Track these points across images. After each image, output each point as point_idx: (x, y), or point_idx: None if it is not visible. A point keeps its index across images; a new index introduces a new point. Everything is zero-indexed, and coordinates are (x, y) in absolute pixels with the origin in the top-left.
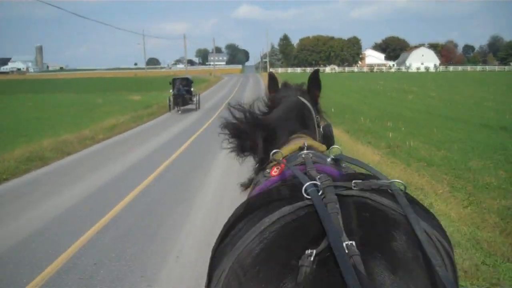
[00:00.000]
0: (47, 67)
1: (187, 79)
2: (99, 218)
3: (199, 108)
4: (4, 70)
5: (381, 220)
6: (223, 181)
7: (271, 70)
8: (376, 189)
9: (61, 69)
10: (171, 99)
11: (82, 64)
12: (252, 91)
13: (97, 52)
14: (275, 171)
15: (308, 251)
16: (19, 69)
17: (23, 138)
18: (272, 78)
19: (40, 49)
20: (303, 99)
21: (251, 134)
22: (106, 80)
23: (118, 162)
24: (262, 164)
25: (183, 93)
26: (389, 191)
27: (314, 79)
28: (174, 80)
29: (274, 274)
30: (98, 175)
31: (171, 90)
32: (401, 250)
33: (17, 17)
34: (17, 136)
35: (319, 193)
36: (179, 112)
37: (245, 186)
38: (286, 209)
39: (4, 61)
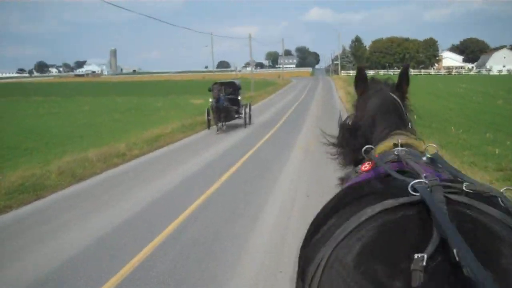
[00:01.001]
0: (121, 69)
1: (232, 83)
2: None
3: (249, 123)
4: (80, 73)
5: (489, 233)
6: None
7: (343, 72)
8: (486, 198)
9: (134, 72)
10: (210, 111)
11: (155, 67)
12: (322, 97)
13: (170, 55)
14: (365, 167)
15: (419, 255)
16: (93, 72)
17: (56, 150)
18: (360, 72)
19: (114, 52)
20: (394, 95)
21: (347, 131)
22: (174, 83)
23: (127, 200)
24: (357, 161)
25: (224, 103)
26: (501, 203)
27: (404, 74)
28: (214, 86)
29: (383, 275)
30: (84, 229)
31: (210, 100)
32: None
33: (94, 21)
34: (56, 145)
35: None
36: (222, 128)
37: (342, 181)
38: (389, 202)
39: (80, 64)
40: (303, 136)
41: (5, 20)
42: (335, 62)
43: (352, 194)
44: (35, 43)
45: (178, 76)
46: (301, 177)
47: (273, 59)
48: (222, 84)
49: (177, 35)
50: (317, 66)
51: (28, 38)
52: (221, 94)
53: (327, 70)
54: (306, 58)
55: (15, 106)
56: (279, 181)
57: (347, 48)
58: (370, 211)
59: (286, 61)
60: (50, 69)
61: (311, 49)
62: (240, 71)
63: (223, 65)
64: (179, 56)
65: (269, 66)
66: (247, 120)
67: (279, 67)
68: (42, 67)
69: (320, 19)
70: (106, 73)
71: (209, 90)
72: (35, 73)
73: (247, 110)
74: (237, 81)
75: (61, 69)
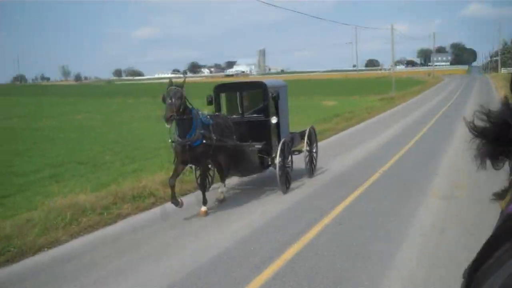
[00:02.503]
0: (269, 69)
1: (256, 85)
2: None
3: (313, 174)
4: (229, 73)
5: None
6: None
7: (503, 70)
8: None
9: (282, 71)
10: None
11: (304, 66)
12: (478, 100)
13: (318, 55)
14: None
15: None
16: (242, 72)
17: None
18: None
19: (262, 52)
20: None
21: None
22: (314, 83)
23: None
24: None
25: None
26: None
27: None
28: (218, 89)
29: None
30: None
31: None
32: None
33: (244, 22)
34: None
35: None
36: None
37: (498, 196)
38: None
39: (230, 64)
40: (445, 171)
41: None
42: (495, 58)
43: None
44: (189, 45)
45: (323, 76)
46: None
47: (425, 56)
48: (235, 87)
49: (325, 33)
50: (473, 64)
51: (184, 41)
52: (234, 113)
53: (485, 68)
54: (462, 55)
55: (142, 107)
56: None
57: (509, 43)
58: None
59: (438, 58)
60: (202, 69)
61: (467, 46)
62: (389, 69)
63: (372, 63)
64: (327, 55)
65: (421, 64)
66: (311, 169)
67: (431, 65)
68: (195, 67)
69: (477, 14)
70: (254, 73)
71: (209, 103)
72: (188, 74)
73: (309, 150)
74: (270, 83)
75: (212, 69)
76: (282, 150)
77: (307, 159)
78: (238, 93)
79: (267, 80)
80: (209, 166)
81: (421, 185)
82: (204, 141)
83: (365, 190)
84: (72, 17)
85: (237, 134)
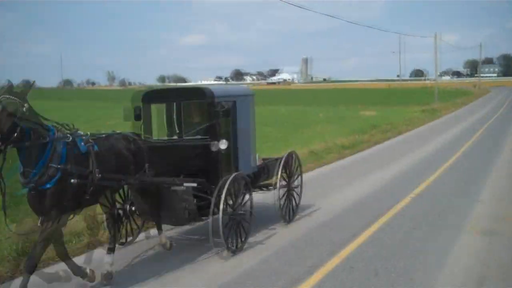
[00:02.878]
0: (312, 78)
1: (197, 93)
2: None
3: (290, 219)
4: (272, 81)
5: None
6: None
7: None
8: None
9: (324, 80)
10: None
11: (348, 75)
12: None
13: (363, 64)
14: None
15: None
16: (285, 80)
17: None
18: None
19: (306, 61)
20: None
21: None
22: (356, 92)
23: None
24: None
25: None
26: None
27: None
28: (147, 98)
29: None
30: None
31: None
32: None
33: (290, 30)
34: None
35: None
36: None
37: None
38: None
39: (274, 72)
40: (489, 197)
41: (214, 31)
42: None
43: None
44: (234, 52)
45: (367, 85)
46: None
47: (472, 67)
48: (172, 96)
49: (372, 42)
50: None
51: (228, 47)
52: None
53: None
54: (510, 66)
55: None
56: None
57: None
58: None
59: (486, 69)
60: (244, 76)
61: None
62: (435, 80)
63: (418, 73)
64: (372, 64)
65: (467, 75)
66: (288, 214)
67: (478, 76)
68: (238, 75)
69: None
70: (297, 81)
71: (137, 117)
72: (231, 81)
73: (287, 185)
74: (222, 91)
75: (255, 77)
76: (229, 190)
77: (282, 198)
78: (175, 104)
79: (219, 87)
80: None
81: (458, 214)
82: (63, 179)
83: (390, 219)
84: (122, 23)
85: (164, 165)
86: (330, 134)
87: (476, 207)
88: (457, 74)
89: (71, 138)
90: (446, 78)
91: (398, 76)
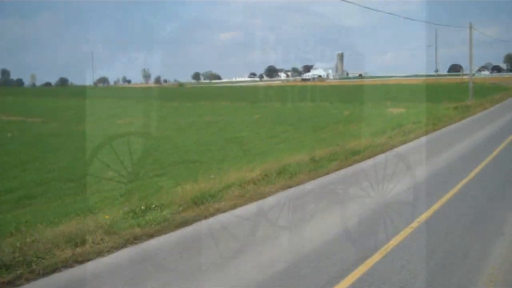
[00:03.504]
0: (347, 74)
1: None
2: None
3: None
4: (306, 77)
5: None
6: None
7: None
8: None
9: (360, 76)
10: None
11: (385, 71)
12: None
13: (400, 59)
14: None
15: None
16: (319, 76)
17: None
18: None
19: (341, 57)
20: None
21: None
22: (387, 88)
23: None
24: None
25: None
26: None
27: None
28: None
29: None
30: None
31: None
32: None
33: (322, 27)
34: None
35: None
36: None
37: None
38: None
39: (308, 68)
40: None
41: (249, 27)
42: None
43: None
44: (268, 49)
45: (402, 80)
46: None
47: None
48: None
49: (407, 37)
50: None
51: (263, 44)
52: None
53: None
54: None
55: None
56: None
57: None
58: None
59: None
60: (279, 73)
61: None
62: (473, 75)
63: (455, 68)
64: (409, 60)
65: (507, 70)
66: None
67: None
68: (271, 71)
69: None
70: (331, 77)
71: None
72: (265, 78)
73: None
74: None
75: (289, 73)
76: None
77: None
78: None
79: None
80: None
81: (473, 257)
82: None
83: (377, 263)
84: (160, 22)
85: None
86: (350, 134)
87: (499, 244)
88: (497, 69)
89: None
90: (485, 73)
91: (436, 71)
